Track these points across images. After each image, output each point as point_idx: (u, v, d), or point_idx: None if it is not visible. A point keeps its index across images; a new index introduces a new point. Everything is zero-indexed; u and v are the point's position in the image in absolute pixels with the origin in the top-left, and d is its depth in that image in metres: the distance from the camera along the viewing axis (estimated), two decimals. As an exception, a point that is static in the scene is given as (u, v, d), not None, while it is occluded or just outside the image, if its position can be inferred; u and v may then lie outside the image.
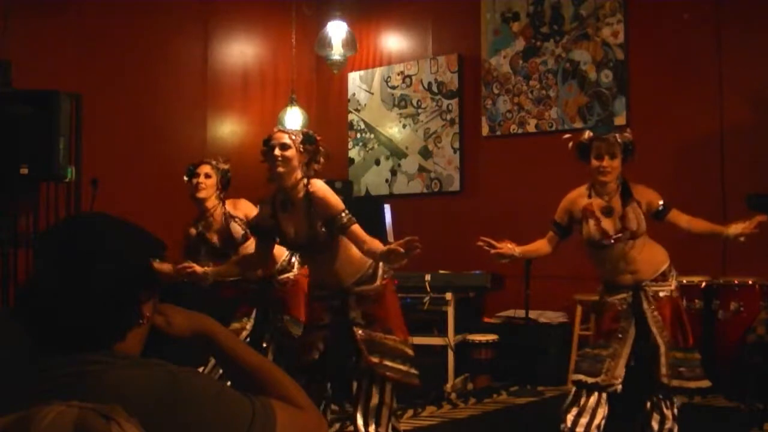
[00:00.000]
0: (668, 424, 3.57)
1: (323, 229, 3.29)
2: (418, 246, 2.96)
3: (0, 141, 4.36)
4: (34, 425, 0.90)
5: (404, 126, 6.99)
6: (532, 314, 5.59)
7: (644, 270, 3.61)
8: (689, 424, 3.78)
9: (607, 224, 3.58)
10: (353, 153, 7.23)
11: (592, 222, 3.60)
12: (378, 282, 3.45)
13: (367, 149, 7.15)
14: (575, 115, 6.13)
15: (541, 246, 3.83)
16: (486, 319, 6.03)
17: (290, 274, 4.33)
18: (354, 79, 7.29)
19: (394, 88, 7.04)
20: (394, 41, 7.21)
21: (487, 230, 5.97)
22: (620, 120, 5.82)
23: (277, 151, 3.30)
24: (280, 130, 3.41)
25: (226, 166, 4.45)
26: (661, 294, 3.61)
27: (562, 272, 5.71)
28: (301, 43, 7.01)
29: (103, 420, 0.93)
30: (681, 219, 3.63)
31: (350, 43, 6.67)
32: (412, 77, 6.98)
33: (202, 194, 4.32)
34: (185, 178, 4.42)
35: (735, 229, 3.51)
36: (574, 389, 3.66)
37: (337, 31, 6.64)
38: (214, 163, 4.40)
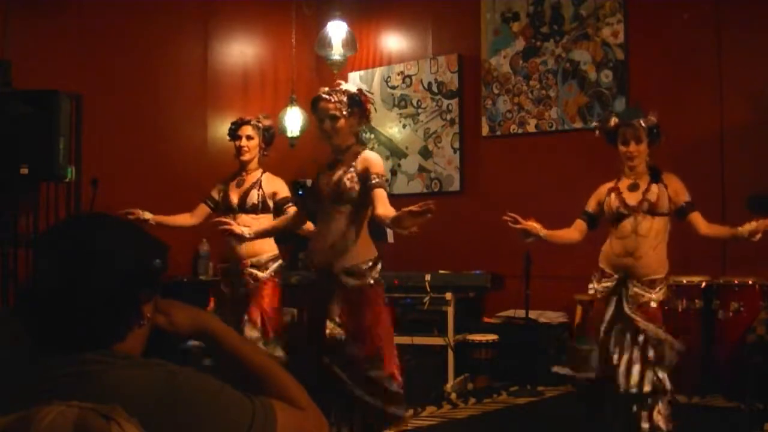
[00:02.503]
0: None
1: (349, 185, 3.27)
2: (432, 209, 2.90)
3: (0, 141, 4.36)
4: (34, 425, 0.90)
5: (404, 126, 6.99)
6: (532, 314, 5.59)
7: (644, 259, 3.62)
8: (689, 424, 3.78)
9: (628, 196, 3.70)
10: (353, 153, 7.23)
11: (613, 195, 3.74)
12: (366, 281, 3.26)
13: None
14: (575, 115, 6.13)
15: (567, 232, 3.87)
16: (486, 319, 6.03)
17: (261, 273, 4.25)
18: (354, 79, 7.28)
19: (394, 88, 7.04)
20: (394, 41, 7.21)
21: (488, 230, 5.99)
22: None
23: (327, 125, 3.33)
24: (324, 98, 3.33)
25: (267, 122, 4.50)
26: (642, 300, 3.60)
27: (562, 272, 5.71)
28: (301, 43, 7.01)
29: (103, 420, 0.93)
30: (701, 222, 3.68)
31: (350, 43, 6.67)
32: (412, 77, 6.98)
33: (245, 157, 4.39)
34: (228, 138, 4.49)
35: (749, 227, 3.51)
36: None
37: (337, 31, 6.64)
38: (254, 122, 4.42)
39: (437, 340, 5.56)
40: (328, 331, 3.21)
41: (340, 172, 3.32)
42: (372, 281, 3.27)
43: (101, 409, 0.94)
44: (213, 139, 6.46)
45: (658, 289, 3.61)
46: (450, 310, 5.57)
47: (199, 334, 1.35)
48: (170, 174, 5.99)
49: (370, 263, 3.29)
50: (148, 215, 4.17)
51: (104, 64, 5.53)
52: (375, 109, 3.49)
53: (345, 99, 3.31)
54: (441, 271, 5.85)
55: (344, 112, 3.31)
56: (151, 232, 1.32)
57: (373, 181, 3.26)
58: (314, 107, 3.38)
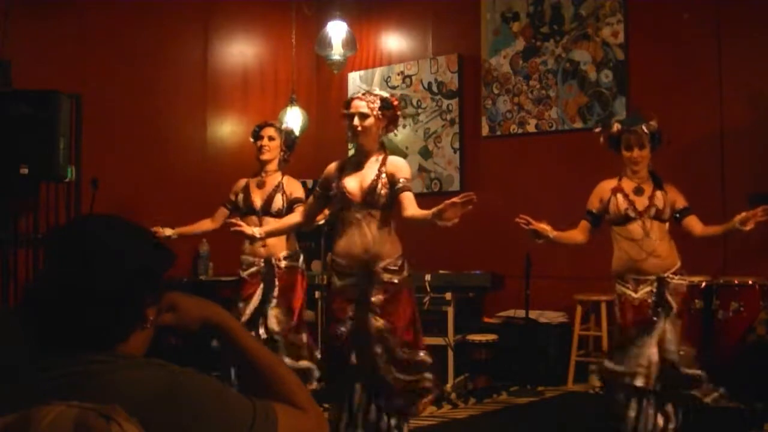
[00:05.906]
0: (672, 423, 3.62)
1: (384, 191, 3.39)
2: (473, 199, 3.04)
3: (0, 141, 4.36)
4: (34, 425, 0.90)
5: (404, 126, 6.98)
6: (532, 314, 5.59)
7: (666, 257, 3.73)
8: (689, 424, 3.78)
9: (636, 199, 3.76)
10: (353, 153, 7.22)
11: (620, 195, 3.79)
12: (404, 274, 3.46)
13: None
14: (575, 115, 6.13)
15: (573, 234, 3.92)
16: (486, 319, 6.02)
17: (294, 263, 4.42)
18: (354, 79, 7.29)
19: (394, 88, 7.04)
20: (394, 41, 7.21)
21: (487, 230, 5.99)
22: (620, 120, 5.82)
23: (356, 121, 3.42)
24: (359, 97, 3.47)
25: (290, 128, 4.71)
26: (680, 289, 3.75)
27: (562, 272, 5.71)
28: (301, 43, 7.00)
29: (103, 420, 0.93)
30: (697, 225, 3.78)
31: (350, 43, 6.67)
32: (412, 77, 6.98)
33: (265, 156, 4.48)
34: (251, 140, 4.59)
35: (739, 217, 3.57)
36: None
37: (337, 31, 6.64)
38: (277, 125, 4.57)
39: (437, 340, 5.55)
40: (375, 325, 3.36)
41: (372, 179, 3.43)
42: (407, 274, 3.49)
43: (101, 409, 0.94)
44: (213, 139, 6.46)
45: (684, 275, 3.79)
46: (450, 310, 5.57)
47: (208, 327, 1.34)
48: (170, 174, 5.99)
49: (401, 258, 3.49)
50: (168, 231, 4.29)
51: (104, 64, 5.54)
52: (404, 119, 3.64)
53: (378, 101, 3.44)
54: (441, 271, 5.85)
55: (375, 112, 3.41)
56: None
57: (400, 185, 3.41)
58: (346, 106, 3.49)
